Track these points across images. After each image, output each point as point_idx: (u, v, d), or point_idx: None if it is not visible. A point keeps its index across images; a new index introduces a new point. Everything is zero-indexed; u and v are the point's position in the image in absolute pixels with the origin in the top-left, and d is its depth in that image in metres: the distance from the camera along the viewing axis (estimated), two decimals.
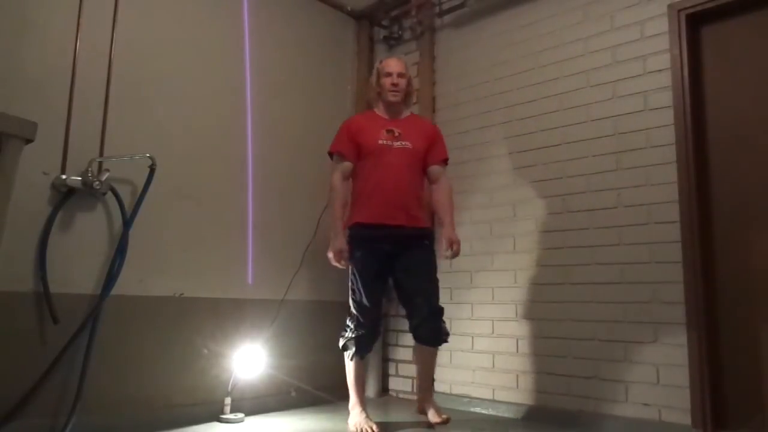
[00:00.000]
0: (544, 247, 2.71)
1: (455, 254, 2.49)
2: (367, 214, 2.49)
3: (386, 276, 2.53)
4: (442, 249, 2.51)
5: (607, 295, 2.49)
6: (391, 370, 3.21)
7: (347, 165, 2.58)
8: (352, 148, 2.57)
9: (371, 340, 2.50)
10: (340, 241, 2.48)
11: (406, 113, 2.67)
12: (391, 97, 2.58)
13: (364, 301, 2.44)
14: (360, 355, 2.47)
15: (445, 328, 2.48)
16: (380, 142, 2.54)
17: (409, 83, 2.63)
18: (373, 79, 2.65)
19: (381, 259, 2.47)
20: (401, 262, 2.48)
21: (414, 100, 2.79)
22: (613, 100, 2.58)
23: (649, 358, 2.35)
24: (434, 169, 2.60)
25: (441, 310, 2.47)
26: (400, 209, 2.46)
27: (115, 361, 2.25)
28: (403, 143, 2.55)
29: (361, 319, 2.45)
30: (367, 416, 2.42)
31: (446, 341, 2.50)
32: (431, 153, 2.59)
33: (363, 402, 2.50)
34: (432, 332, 2.46)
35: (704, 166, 2.39)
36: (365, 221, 2.49)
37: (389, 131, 2.56)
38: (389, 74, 2.58)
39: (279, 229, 2.91)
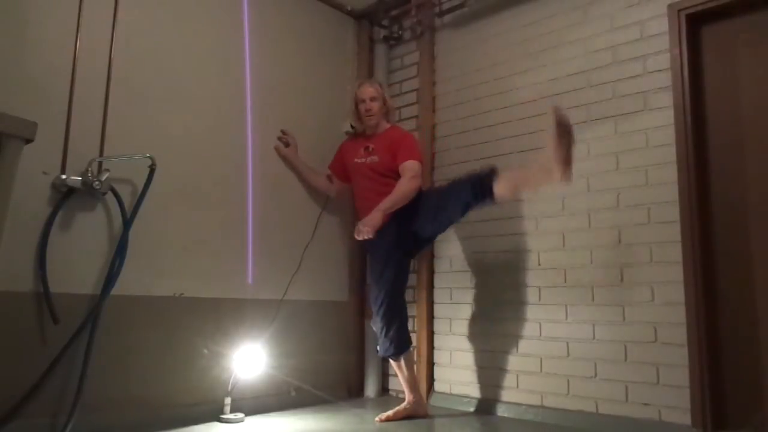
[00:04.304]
0: (544, 248, 2.71)
1: (358, 233, 2.52)
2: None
3: None
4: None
5: (607, 295, 2.49)
6: (391, 370, 3.21)
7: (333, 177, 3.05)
8: (337, 163, 3.00)
9: (387, 343, 2.68)
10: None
11: (384, 127, 2.85)
12: (367, 121, 2.83)
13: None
14: (385, 355, 2.74)
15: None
16: (356, 160, 2.85)
17: (384, 102, 2.82)
18: (353, 105, 2.86)
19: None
20: None
21: (393, 112, 2.95)
22: (613, 100, 2.58)
23: (649, 358, 2.35)
24: (400, 170, 2.70)
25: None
26: None
27: (115, 361, 2.25)
28: (373, 158, 2.78)
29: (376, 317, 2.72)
30: (397, 410, 2.60)
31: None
32: (395, 160, 2.72)
33: (407, 397, 2.68)
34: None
35: (704, 166, 2.39)
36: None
37: (366, 148, 2.82)
38: (363, 101, 2.80)
39: (279, 229, 2.91)
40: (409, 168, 2.67)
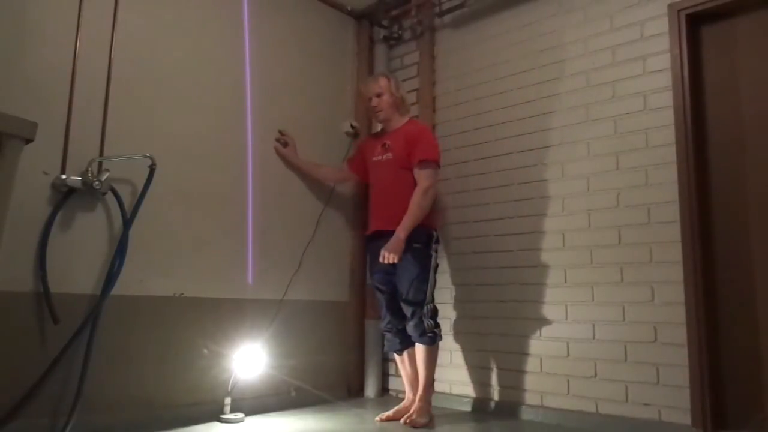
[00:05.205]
0: (544, 248, 2.71)
1: (383, 258, 2.49)
2: (368, 226, 2.77)
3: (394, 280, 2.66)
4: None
5: (607, 294, 2.49)
6: (391, 370, 3.21)
7: (345, 165, 3.05)
8: (358, 163, 2.94)
9: (394, 340, 2.70)
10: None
11: (400, 122, 2.77)
12: (377, 118, 2.83)
13: (380, 302, 2.72)
14: (390, 350, 2.78)
15: (428, 324, 2.55)
16: (374, 158, 2.78)
17: (391, 95, 2.73)
18: (365, 105, 2.86)
19: (383, 265, 2.56)
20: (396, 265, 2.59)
21: (408, 105, 2.85)
22: (613, 100, 2.58)
23: (649, 358, 2.35)
24: (414, 172, 2.63)
25: (422, 307, 2.55)
26: (382, 216, 2.64)
27: (115, 361, 2.25)
28: (388, 155, 2.71)
29: (384, 319, 2.71)
30: (397, 409, 2.59)
31: (432, 340, 2.57)
32: (411, 157, 2.64)
33: (407, 395, 2.70)
34: (414, 329, 2.57)
35: (704, 166, 2.39)
36: (366, 233, 2.81)
37: (383, 145, 2.75)
38: (369, 99, 2.77)
39: (279, 229, 2.91)
40: (425, 177, 2.57)
